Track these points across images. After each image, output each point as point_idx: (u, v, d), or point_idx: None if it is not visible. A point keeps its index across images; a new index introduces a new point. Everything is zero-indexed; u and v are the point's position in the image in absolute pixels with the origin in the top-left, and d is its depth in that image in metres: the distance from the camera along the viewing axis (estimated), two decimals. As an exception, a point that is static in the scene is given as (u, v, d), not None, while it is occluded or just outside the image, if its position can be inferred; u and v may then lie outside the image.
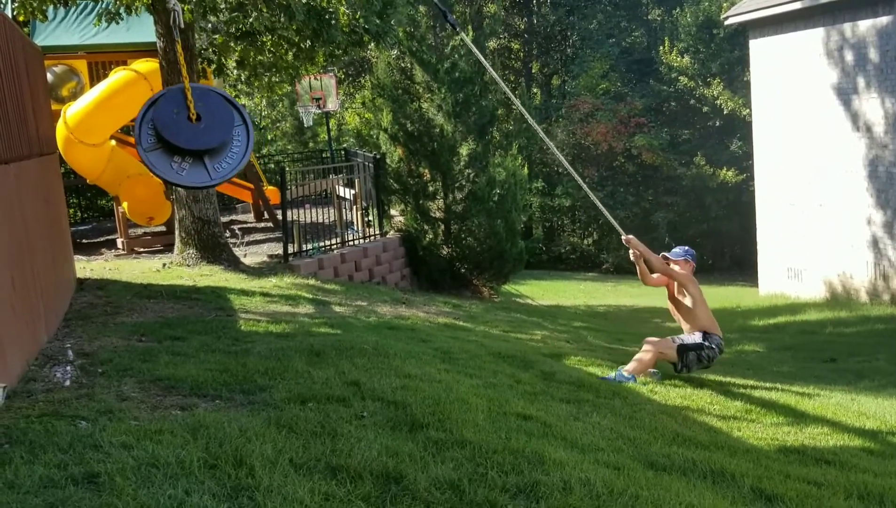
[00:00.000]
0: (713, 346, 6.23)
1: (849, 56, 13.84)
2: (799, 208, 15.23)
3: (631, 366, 6.20)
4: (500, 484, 3.15)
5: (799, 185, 15.18)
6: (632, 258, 6.34)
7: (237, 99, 17.32)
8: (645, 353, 6.24)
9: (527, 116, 6.32)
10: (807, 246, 15.10)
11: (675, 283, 6.37)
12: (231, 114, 5.49)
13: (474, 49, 6.07)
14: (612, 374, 6.16)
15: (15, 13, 9.40)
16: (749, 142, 17.90)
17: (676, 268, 6.34)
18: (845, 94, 13.98)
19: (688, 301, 6.31)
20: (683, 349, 6.19)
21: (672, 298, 6.46)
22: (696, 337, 6.24)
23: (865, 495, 3.76)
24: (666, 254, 6.44)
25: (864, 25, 13.48)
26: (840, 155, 14.15)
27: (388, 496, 2.97)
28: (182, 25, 5.60)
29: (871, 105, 13.47)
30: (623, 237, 6.28)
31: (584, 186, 6.39)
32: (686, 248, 6.56)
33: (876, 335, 10.80)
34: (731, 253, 25.11)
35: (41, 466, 3.01)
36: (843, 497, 3.70)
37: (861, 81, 13.64)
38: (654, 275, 6.39)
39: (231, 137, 5.39)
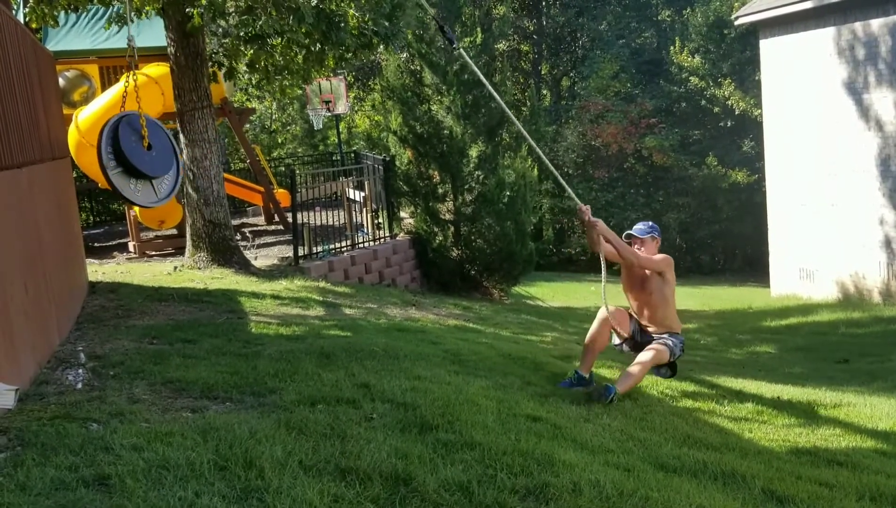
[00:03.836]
0: (680, 348, 5.60)
1: (860, 55, 13.76)
2: (811, 209, 15.15)
3: (627, 384, 5.33)
4: (510, 486, 3.15)
5: (810, 185, 15.10)
6: (582, 218, 5.42)
7: (247, 103, 17.38)
8: (641, 368, 5.37)
9: (518, 124, 6.31)
10: (819, 246, 15.01)
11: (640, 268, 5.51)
12: (169, 142, 6.59)
13: (472, 64, 6.05)
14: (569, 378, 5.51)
15: (27, 19, 9.46)
16: (761, 142, 17.82)
17: (651, 255, 5.50)
18: (857, 92, 13.90)
19: (659, 288, 5.48)
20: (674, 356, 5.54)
21: (631, 281, 5.63)
22: (678, 340, 5.55)
23: (878, 496, 3.73)
24: (630, 232, 5.59)
25: (876, 24, 13.40)
26: (852, 154, 14.06)
27: (398, 497, 2.97)
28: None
29: (884, 104, 13.38)
30: (582, 210, 5.41)
31: (545, 159, 6.08)
32: (651, 223, 5.72)
33: (889, 335, 10.72)
34: (743, 254, 24.98)
35: (53, 468, 3.03)
36: (855, 499, 3.68)
37: (873, 80, 13.56)
38: (608, 247, 5.44)
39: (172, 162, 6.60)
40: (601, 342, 5.60)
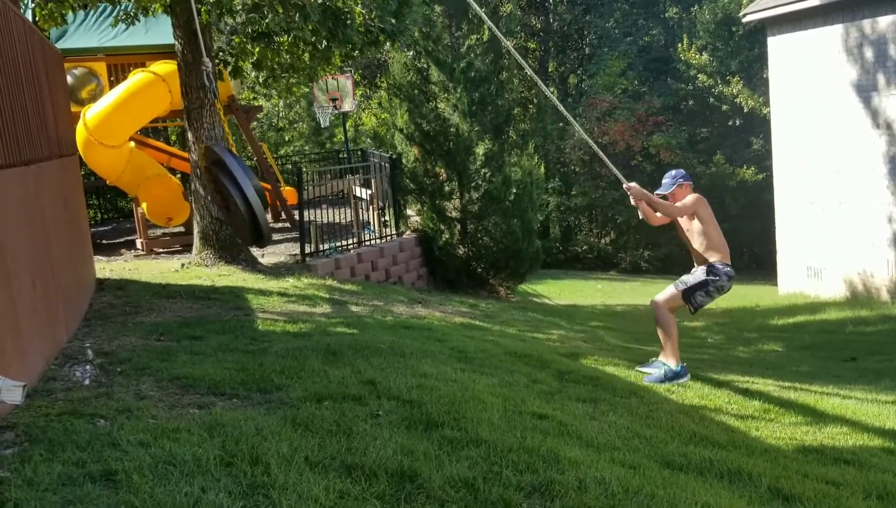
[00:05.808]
0: (719, 275, 5.91)
1: (868, 53, 13.70)
2: (818, 207, 15.09)
3: (668, 352, 6.00)
4: (515, 483, 3.15)
5: (818, 183, 15.04)
6: (632, 203, 6.04)
7: (255, 101, 17.40)
8: (664, 325, 6.02)
9: (547, 91, 6.30)
10: (826, 245, 14.96)
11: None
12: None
13: (483, 14, 6.02)
14: (659, 372, 6.00)
15: (36, 19, 9.49)
16: (769, 140, 17.75)
17: (678, 204, 6.00)
18: (865, 91, 13.83)
19: (697, 228, 5.97)
20: (689, 292, 5.95)
21: (681, 231, 6.13)
22: (699, 275, 5.95)
23: (885, 495, 3.72)
24: (658, 191, 6.11)
25: (884, 22, 13.34)
26: (860, 153, 14.00)
27: (403, 494, 2.98)
28: (214, 81, 6.02)
29: (892, 102, 13.32)
30: (625, 186, 5.97)
31: (583, 133, 6.24)
32: (673, 172, 6.17)
33: (897, 334, 10.67)
34: (751, 252, 24.90)
35: (60, 464, 3.04)
36: (862, 497, 3.67)
37: (881, 79, 13.49)
38: (659, 215, 6.11)
39: None
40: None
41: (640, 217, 6.17)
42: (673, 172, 6.20)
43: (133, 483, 2.85)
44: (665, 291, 6.13)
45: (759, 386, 6.28)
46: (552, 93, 28.67)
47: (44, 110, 5.93)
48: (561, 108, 6.18)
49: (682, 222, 6.08)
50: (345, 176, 13.73)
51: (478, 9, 5.54)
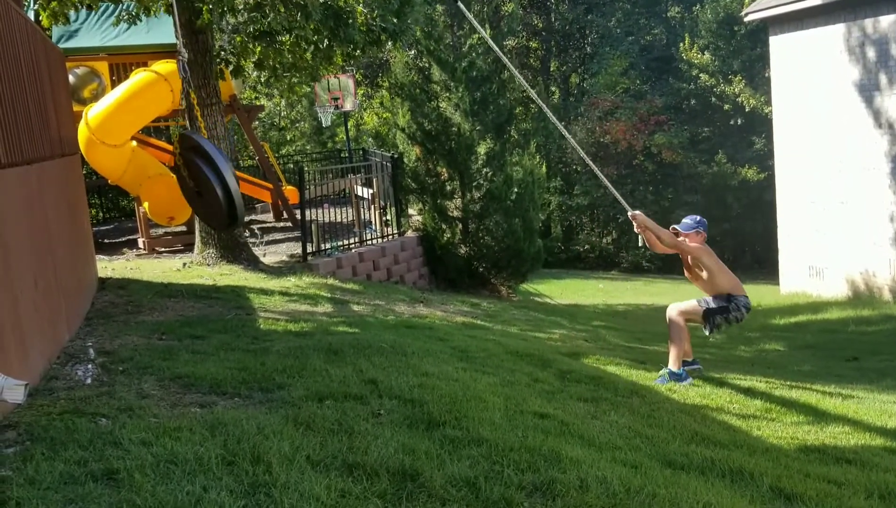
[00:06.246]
0: (739, 308, 6.15)
1: (870, 52, 13.68)
2: (820, 206, 15.08)
3: (672, 355, 6.11)
4: (517, 482, 3.15)
5: (820, 182, 15.03)
6: (636, 230, 6.19)
7: (257, 100, 17.35)
8: (675, 329, 6.16)
9: (535, 98, 6.30)
10: (828, 244, 14.94)
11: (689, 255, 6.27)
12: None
13: (471, 19, 6.05)
14: (662, 376, 6.13)
15: (38, 18, 9.49)
16: (771, 140, 17.73)
17: (686, 241, 6.20)
18: (867, 90, 13.81)
19: (704, 274, 6.20)
20: (710, 313, 6.15)
21: (688, 267, 6.32)
22: (721, 301, 6.16)
23: (887, 494, 3.72)
24: (676, 226, 6.28)
25: (886, 21, 13.32)
26: (862, 152, 13.99)
27: (404, 493, 2.98)
28: (189, 71, 6.07)
29: (894, 102, 13.30)
30: (629, 213, 6.20)
31: (583, 154, 6.29)
32: (697, 218, 6.33)
33: (899, 333, 10.64)
34: (753, 252, 24.88)
35: (62, 462, 3.04)
36: (864, 497, 3.67)
37: (883, 78, 13.47)
38: (661, 244, 6.27)
39: None
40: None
41: (641, 244, 6.33)
42: (698, 217, 6.38)
43: (135, 481, 2.86)
44: (686, 302, 6.32)
45: (761, 386, 6.27)
46: (554, 92, 28.67)
47: (46, 110, 5.94)
48: (553, 119, 6.20)
49: (686, 266, 6.31)
50: (346, 175, 13.74)
51: (471, 18, 5.54)
